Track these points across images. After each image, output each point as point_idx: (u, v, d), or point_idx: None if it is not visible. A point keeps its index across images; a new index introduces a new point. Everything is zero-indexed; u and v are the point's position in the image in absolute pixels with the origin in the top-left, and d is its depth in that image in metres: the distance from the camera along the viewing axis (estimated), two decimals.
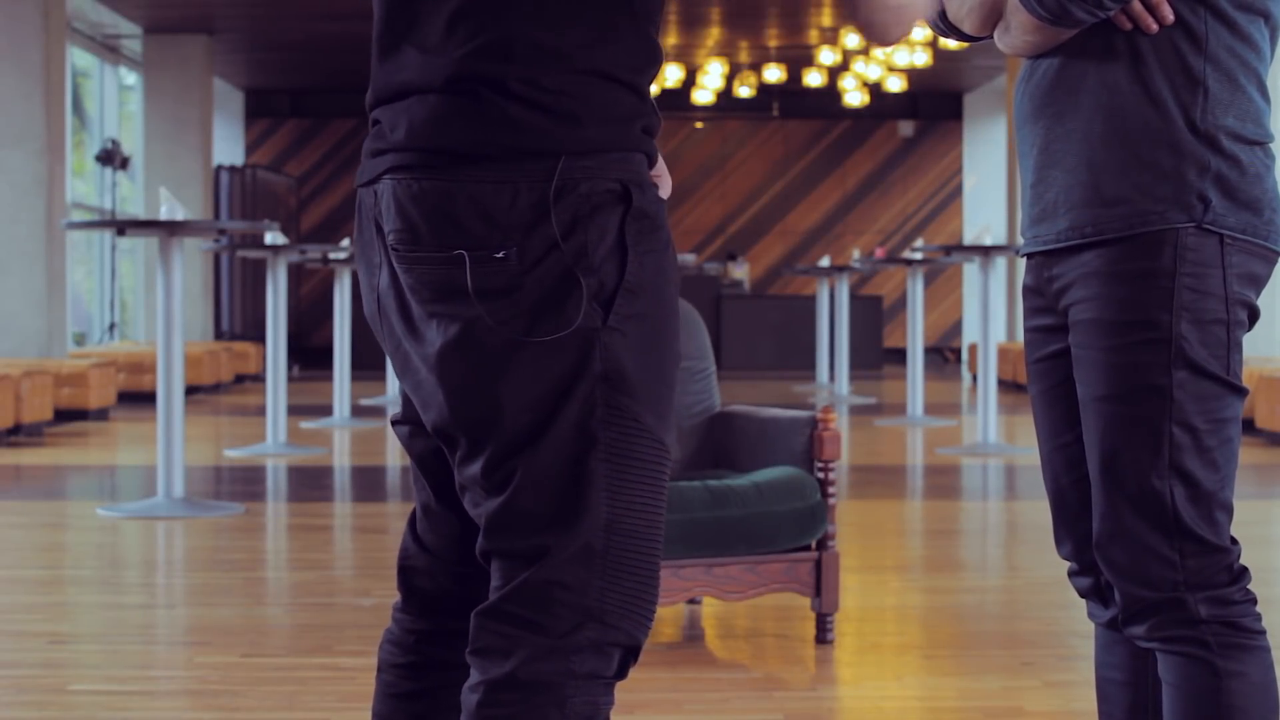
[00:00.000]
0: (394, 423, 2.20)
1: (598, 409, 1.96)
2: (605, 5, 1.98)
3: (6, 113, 12.50)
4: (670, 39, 17.52)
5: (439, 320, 1.99)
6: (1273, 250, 2.36)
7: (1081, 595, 2.54)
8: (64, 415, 11.57)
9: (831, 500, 4.43)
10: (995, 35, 2.43)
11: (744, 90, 19.20)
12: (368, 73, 2.14)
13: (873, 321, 19.82)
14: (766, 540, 4.33)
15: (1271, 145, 2.38)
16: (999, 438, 10.39)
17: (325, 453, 9.96)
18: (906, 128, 21.94)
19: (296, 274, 20.87)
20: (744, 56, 18.95)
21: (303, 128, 21.70)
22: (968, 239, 16.16)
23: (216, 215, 18.20)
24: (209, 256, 17.24)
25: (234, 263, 18.72)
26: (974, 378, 16.08)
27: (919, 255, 11.84)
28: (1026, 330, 2.54)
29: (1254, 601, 2.36)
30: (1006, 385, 15.25)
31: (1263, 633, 2.36)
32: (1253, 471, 8.88)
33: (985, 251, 9.92)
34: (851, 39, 16.62)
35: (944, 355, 22.05)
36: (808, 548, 4.44)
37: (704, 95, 19.08)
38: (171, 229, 7.14)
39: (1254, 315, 2.36)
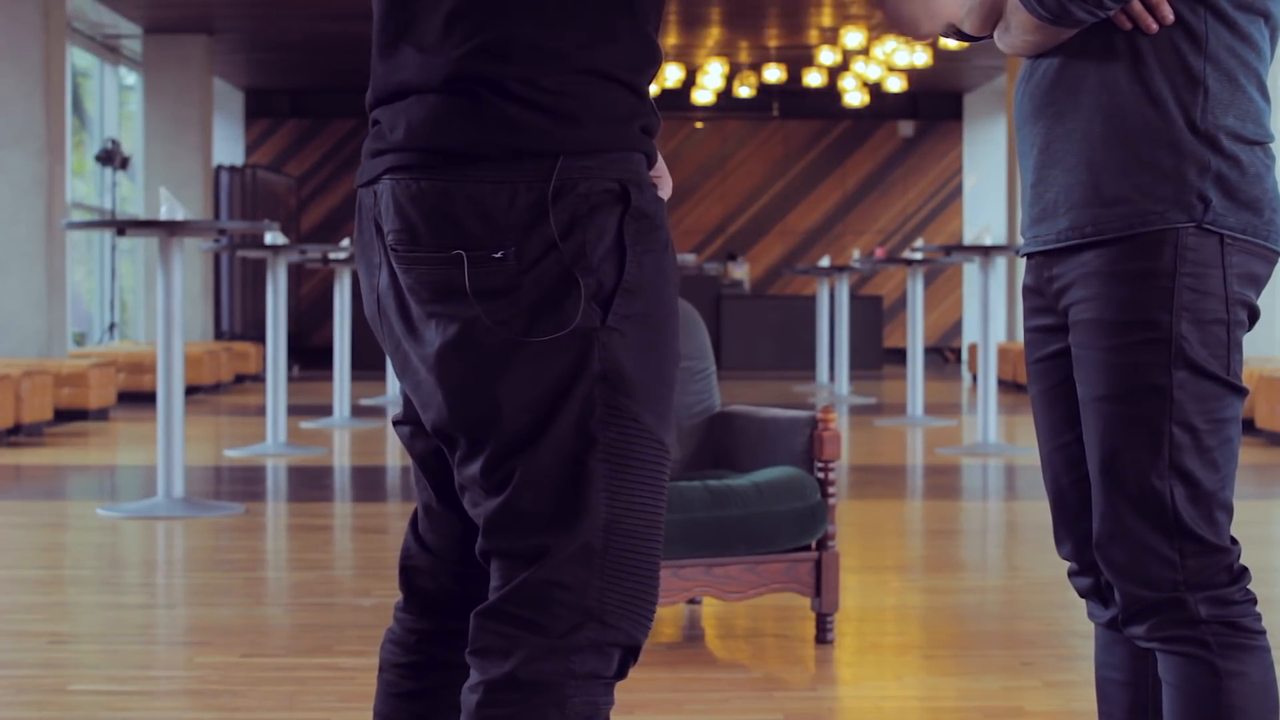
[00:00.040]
0: (395, 423, 2.20)
1: (597, 409, 1.96)
2: (604, 5, 1.97)
3: (6, 113, 12.49)
4: (670, 39, 17.51)
5: (438, 320, 1.98)
6: (1273, 250, 2.36)
7: (1081, 595, 2.54)
8: (64, 415, 11.57)
9: (831, 500, 4.43)
10: (995, 35, 2.43)
11: (744, 90, 19.19)
12: (368, 73, 2.14)
13: (873, 321, 19.82)
14: (766, 540, 4.32)
15: (1271, 145, 2.38)
16: (999, 438, 10.39)
17: (325, 453, 9.96)
18: (906, 128, 21.94)
19: (296, 274, 20.87)
20: (744, 56, 18.94)
21: (303, 128, 21.70)
22: (968, 239, 16.15)
23: (216, 215, 18.20)
24: (209, 256, 17.24)
25: (234, 263, 18.72)
26: (974, 378, 16.07)
27: (919, 255, 11.83)
28: (1026, 330, 2.54)
29: (1254, 601, 2.36)
30: (1006, 385, 15.25)
31: (1263, 633, 2.36)
32: (1253, 471, 8.88)
33: (985, 251, 9.92)
34: (851, 39, 16.58)
35: (944, 355, 22.04)
36: (808, 548, 4.44)
37: (704, 95, 19.07)
38: (171, 229, 7.14)
39: (1254, 315, 2.36)
